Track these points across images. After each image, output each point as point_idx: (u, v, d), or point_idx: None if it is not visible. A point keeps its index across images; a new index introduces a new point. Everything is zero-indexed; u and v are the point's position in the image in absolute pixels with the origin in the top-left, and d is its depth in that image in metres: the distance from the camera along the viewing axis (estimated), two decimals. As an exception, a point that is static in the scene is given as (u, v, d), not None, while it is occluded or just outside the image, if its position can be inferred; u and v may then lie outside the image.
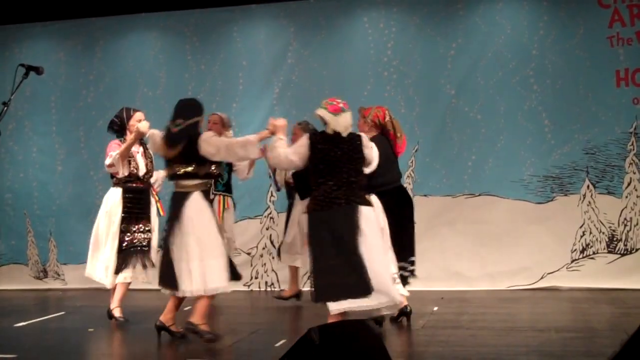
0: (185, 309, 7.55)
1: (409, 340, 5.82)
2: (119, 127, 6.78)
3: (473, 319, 6.58)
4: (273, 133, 5.64)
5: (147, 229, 6.78)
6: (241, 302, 8.10)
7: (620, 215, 8.18)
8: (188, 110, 5.73)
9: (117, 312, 6.69)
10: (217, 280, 5.53)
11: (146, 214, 6.83)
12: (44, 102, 9.74)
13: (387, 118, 6.35)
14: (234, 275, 5.69)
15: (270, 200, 9.03)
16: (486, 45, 8.58)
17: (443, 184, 8.61)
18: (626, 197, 8.19)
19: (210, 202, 6.06)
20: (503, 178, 8.43)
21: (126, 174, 6.70)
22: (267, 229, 9.03)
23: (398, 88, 8.76)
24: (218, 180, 7.13)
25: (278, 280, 8.89)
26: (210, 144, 5.59)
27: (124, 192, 6.75)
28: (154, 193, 7.09)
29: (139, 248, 6.67)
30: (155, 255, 6.78)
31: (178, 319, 5.83)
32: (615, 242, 8.18)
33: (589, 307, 7.04)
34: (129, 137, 6.62)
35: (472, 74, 8.59)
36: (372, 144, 5.69)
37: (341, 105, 5.56)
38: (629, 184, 8.18)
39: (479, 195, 8.53)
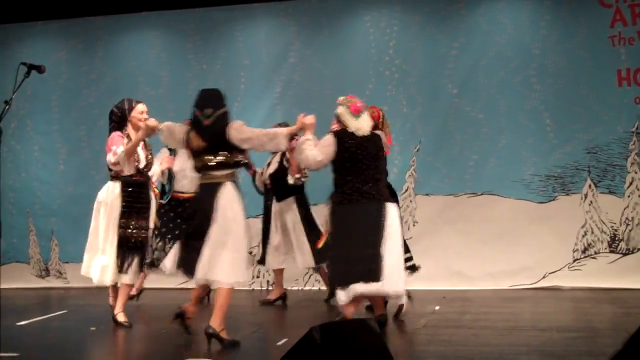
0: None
1: (410, 339, 5.82)
2: (118, 119, 6.47)
3: (475, 318, 6.57)
4: (301, 129, 5.70)
5: (147, 225, 6.49)
6: (243, 301, 8.10)
7: (622, 215, 8.18)
8: (215, 100, 5.61)
9: (121, 317, 6.41)
10: (239, 274, 5.45)
11: (147, 208, 6.57)
12: (45, 101, 9.76)
13: (381, 119, 6.39)
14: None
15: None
16: (488, 44, 8.58)
17: (445, 183, 8.61)
18: (628, 196, 8.18)
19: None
20: (505, 177, 8.43)
21: (131, 170, 6.40)
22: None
23: (400, 87, 8.76)
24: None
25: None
26: (241, 132, 5.52)
27: (124, 185, 6.44)
28: (152, 187, 6.93)
29: (139, 246, 6.41)
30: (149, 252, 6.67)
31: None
32: (617, 242, 8.17)
33: (590, 306, 7.04)
34: (138, 133, 6.31)
35: (473, 73, 8.59)
36: None
37: (359, 105, 5.79)
38: (630, 184, 8.17)
39: (481, 194, 8.53)
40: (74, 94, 9.70)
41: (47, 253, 9.70)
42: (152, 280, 7.69)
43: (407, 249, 6.40)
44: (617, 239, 8.17)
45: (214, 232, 5.41)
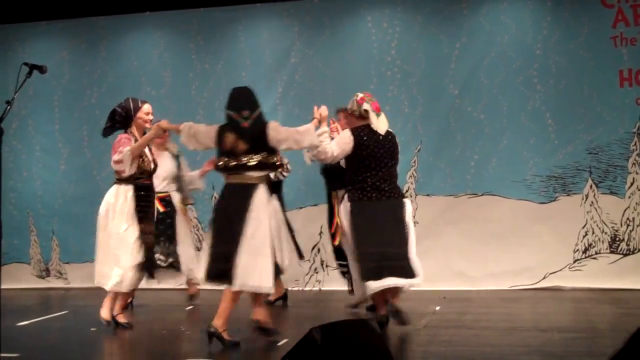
0: (187, 308, 7.58)
1: (411, 339, 5.82)
2: (122, 118, 6.28)
3: (475, 318, 6.57)
4: (320, 122, 5.76)
5: (152, 230, 6.42)
6: (243, 301, 8.07)
7: (622, 216, 8.17)
8: (250, 101, 5.58)
9: (121, 319, 6.37)
10: (265, 279, 5.40)
11: (153, 214, 6.49)
12: (47, 101, 9.76)
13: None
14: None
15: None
16: (490, 44, 8.58)
17: (446, 183, 8.60)
18: (629, 197, 8.18)
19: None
20: (506, 178, 8.43)
21: (133, 172, 6.19)
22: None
23: (402, 87, 8.75)
24: None
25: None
26: (278, 132, 5.51)
27: (136, 189, 6.24)
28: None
29: (151, 251, 6.36)
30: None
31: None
32: (618, 242, 8.17)
33: (591, 307, 7.04)
34: (147, 134, 6.19)
35: (475, 73, 8.59)
36: None
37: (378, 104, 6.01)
38: (631, 184, 8.17)
39: (482, 195, 8.52)
40: (76, 94, 9.70)
41: (47, 253, 9.71)
42: (152, 281, 7.67)
43: None
44: (617, 239, 8.17)
45: (249, 236, 5.36)
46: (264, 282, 5.40)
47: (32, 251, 9.77)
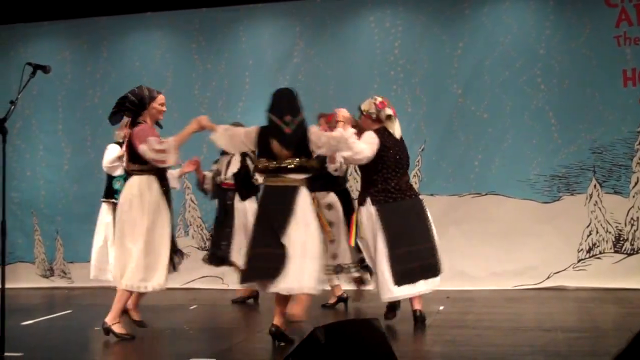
0: (191, 307, 7.58)
1: (414, 339, 5.81)
2: (135, 106, 5.84)
3: (479, 318, 6.57)
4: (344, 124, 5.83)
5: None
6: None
7: (627, 215, 8.16)
8: (293, 105, 5.54)
9: (119, 329, 5.91)
10: (313, 280, 5.39)
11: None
12: (50, 100, 9.78)
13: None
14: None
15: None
16: (492, 44, 8.57)
17: (449, 183, 8.60)
18: (633, 196, 8.17)
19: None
20: (509, 177, 8.42)
21: (174, 162, 5.82)
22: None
23: (404, 87, 8.75)
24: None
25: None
26: (318, 137, 5.53)
27: (161, 180, 5.87)
28: None
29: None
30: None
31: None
32: (622, 242, 8.16)
33: (595, 306, 7.03)
34: (189, 126, 5.80)
35: (478, 73, 8.58)
36: None
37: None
38: (636, 184, 8.16)
39: (486, 194, 8.52)
40: (79, 94, 9.73)
41: (51, 253, 9.73)
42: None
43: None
44: (622, 239, 8.16)
45: (296, 238, 5.34)
46: (309, 283, 5.36)
47: (36, 251, 9.79)
